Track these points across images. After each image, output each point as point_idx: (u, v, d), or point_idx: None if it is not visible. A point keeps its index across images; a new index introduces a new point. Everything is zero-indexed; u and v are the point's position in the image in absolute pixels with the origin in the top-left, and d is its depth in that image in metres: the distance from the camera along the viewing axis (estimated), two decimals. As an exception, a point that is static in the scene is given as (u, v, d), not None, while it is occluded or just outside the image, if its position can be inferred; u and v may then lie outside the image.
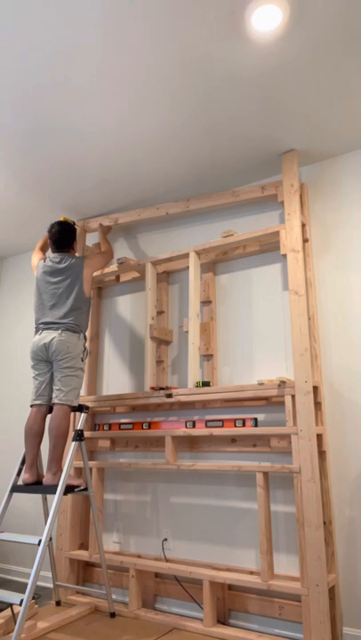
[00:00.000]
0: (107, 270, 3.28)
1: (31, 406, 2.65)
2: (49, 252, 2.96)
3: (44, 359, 2.65)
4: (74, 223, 3.35)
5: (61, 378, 2.60)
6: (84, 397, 3.16)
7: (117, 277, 3.40)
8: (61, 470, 2.52)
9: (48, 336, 2.64)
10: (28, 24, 1.91)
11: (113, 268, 3.26)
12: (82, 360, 2.70)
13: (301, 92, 2.29)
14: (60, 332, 2.65)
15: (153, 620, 2.56)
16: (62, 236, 2.89)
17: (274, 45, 2.01)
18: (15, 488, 2.54)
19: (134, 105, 2.37)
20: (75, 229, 2.97)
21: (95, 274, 3.29)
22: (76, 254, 3.28)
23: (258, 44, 2.00)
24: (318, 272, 2.70)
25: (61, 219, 3.30)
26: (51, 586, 3.19)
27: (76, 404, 2.63)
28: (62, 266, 2.81)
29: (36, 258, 3.06)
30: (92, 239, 3.69)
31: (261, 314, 2.84)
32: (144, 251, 3.43)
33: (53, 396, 2.60)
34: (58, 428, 2.52)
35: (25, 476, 2.55)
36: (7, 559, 3.53)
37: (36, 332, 2.73)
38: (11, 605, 2.46)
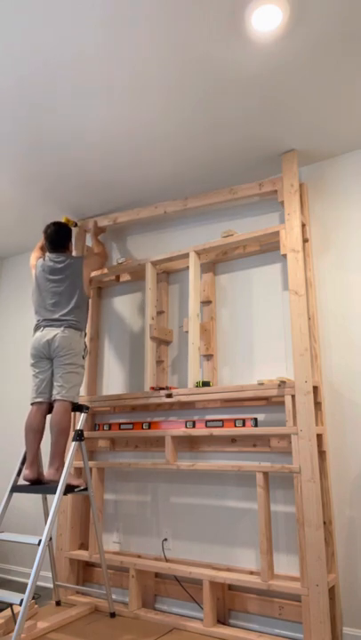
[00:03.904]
0: (107, 270, 3.28)
1: (31, 404, 2.65)
2: (47, 252, 2.97)
3: (46, 356, 2.66)
4: (75, 224, 3.35)
5: (63, 374, 2.60)
6: (83, 397, 3.16)
7: (117, 277, 3.39)
8: (63, 465, 2.52)
9: (50, 333, 2.65)
10: (29, 24, 1.91)
11: (113, 268, 3.26)
12: (83, 357, 2.71)
13: (301, 92, 2.29)
14: (62, 328, 2.66)
15: (153, 620, 2.56)
16: (58, 237, 2.90)
17: (274, 45, 2.01)
18: (15, 488, 2.54)
19: (134, 104, 2.37)
20: (70, 230, 2.97)
21: (93, 274, 3.30)
22: (73, 254, 3.28)
23: (258, 44, 2.00)
24: (318, 272, 2.70)
25: (63, 219, 3.31)
26: (51, 586, 3.19)
27: (77, 400, 2.64)
28: (62, 265, 2.82)
29: (34, 257, 3.06)
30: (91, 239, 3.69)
31: (261, 314, 2.84)
32: (144, 251, 3.42)
33: (55, 392, 2.60)
34: (59, 423, 2.53)
35: (25, 472, 2.55)
36: (7, 559, 3.53)
37: (37, 329, 2.74)
38: (11, 605, 2.46)
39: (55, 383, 2.62)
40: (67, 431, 2.56)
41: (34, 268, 2.94)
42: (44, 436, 2.66)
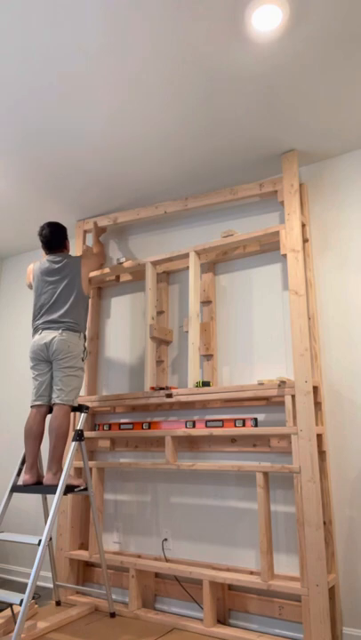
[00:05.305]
0: (107, 270, 3.28)
1: (31, 407, 2.65)
2: (45, 254, 2.95)
3: (45, 359, 2.65)
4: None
5: (62, 378, 2.59)
6: (83, 397, 3.16)
7: (117, 277, 3.39)
8: (62, 470, 2.52)
9: (48, 335, 2.64)
10: (28, 24, 1.91)
11: (113, 268, 3.26)
12: (82, 360, 2.70)
13: (301, 92, 2.29)
14: (60, 331, 2.65)
15: (153, 619, 2.56)
16: (53, 237, 2.87)
17: (274, 45, 2.01)
18: (15, 488, 2.54)
19: (134, 105, 2.37)
20: (65, 228, 2.94)
21: (92, 274, 3.30)
22: (70, 253, 3.27)
23: (258, 43, 2.00)
24: (318, 272, 2.70)
25: None
26: (51, 586, 3.19)
27: (76, 403, 2.63)
28: (59, 265, 2.81)
29: (29, 271, 3.01)
30: (91, 239, 3.69)
31: (261, 314, 2.84)
32: (144, 251, 3.42)
33: (54, 395, 2.59)
34: (58, 428, 2.52)
35: (25, 477, 2.55)
36: (7, 559, 3.53)
37: (36, 332, 2.73)
38: (11, 605, 2.46)
39: (55, 387, 2.61)
40: (65, 435, 2.55)
41: (32, 273, 2.90)
42: (43, 439, 2.66)
